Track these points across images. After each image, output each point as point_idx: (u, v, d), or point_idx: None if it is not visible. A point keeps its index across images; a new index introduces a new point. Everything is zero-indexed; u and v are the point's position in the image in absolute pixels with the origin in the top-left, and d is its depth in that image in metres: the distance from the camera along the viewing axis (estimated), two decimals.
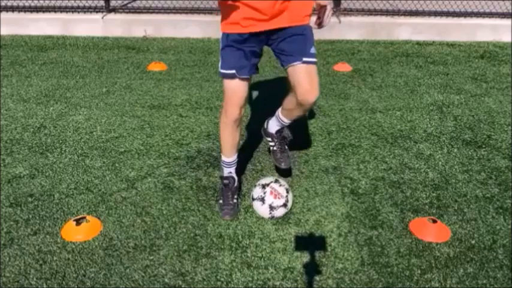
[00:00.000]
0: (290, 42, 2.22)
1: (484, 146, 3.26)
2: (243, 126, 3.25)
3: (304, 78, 2.24)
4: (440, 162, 3.05)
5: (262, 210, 2.47)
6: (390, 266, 2.21)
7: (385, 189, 2.77)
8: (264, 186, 2.49)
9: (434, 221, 2.43)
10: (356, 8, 5.82)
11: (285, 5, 2.15)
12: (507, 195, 2.73)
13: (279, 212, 2.47)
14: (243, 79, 2.25)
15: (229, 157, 2.52)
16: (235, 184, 2.57)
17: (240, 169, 2.80)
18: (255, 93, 4.03)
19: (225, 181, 2.55)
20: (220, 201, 2.55)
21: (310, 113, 3.70)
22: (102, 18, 5.76)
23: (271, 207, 2.45)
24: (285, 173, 2.85)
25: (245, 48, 2.20)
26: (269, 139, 2.67)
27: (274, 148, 2.63)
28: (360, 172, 2.94)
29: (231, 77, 2.23)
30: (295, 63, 2.23)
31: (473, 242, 2.36)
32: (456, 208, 2.62)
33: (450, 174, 2.93)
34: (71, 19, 5.76)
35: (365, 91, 4.16)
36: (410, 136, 3.38)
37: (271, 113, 2.69)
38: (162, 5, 5.93)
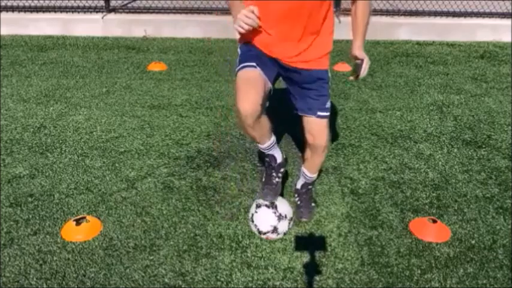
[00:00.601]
0: (305, 94, 2.18)
1: (484, 146, 3.26)
2: None
3: (315, 130, 2.22)
4: (440, 162, 3.05)
5: (254, 229, 2.39)
6: (390, 266, 2.21)
7: (385, 189, 2.77)
8: (256, 208, 2.37)
9: (434, 221, 2.43)
10: None
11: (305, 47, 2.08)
12: (507, 195, 2.73)
13: (271, 236, 2.35)
14: (258, 73, 2.06)
15: (263, 144, 2.26)
16: (278, 161, 2.36)
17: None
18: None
19: (266, 159, 2.38)
20: (264, 179, 2.41)
21: None
22: (102, 18, 5.76)
23: (260, 232, 2.37)
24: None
25: (263, 56, 2.12)
26: (295, 195, 2.61)
27: (298, 203, 2.56)
28: (360, 172, 2.94)
29: (245, 67, 2.06)
30: (309, 116, 2.21)
31: (473, 242, 2.36)
32: (456, 208, 2.62)
33: (450, 174, 2.93)
34: (71, 19, 5.76)
35: (365, 91, 4.16)
36: (410, 136, 3.38)
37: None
38: (162, 5, 5.93)
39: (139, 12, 5.93)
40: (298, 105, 2.23)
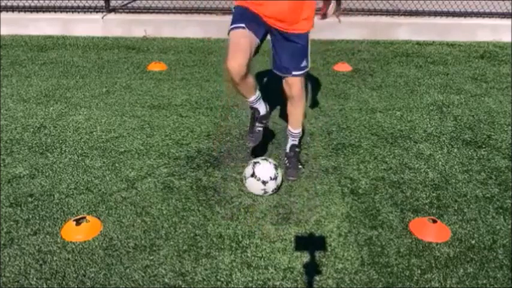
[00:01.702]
0: (286, 52, 2.53)
1: (484, 146, 3.26)
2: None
3: (290, 85, 2.64)
4: (440, 162, 3.05)
5: (255, 187, 2.66)
6: (390, 266, 2.21)
7: (385, 189, 2.77)
8: (254, 164, 2.67)
9: (434, 221, 2.43)
10: (356, 8, 5.82)
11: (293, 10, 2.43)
12: (507, 195, 2.73)
13: (271, 186, 2.63)
14: (247, 33, 2.38)
15: (249, 97, 2.63)
16: (261, 113, 2.71)
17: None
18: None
19: (252, 111, 2.74)
20: (249, 128, 2.80)
21: (310, 113, 3.70)
22: (102, 18, 5.76)
23: (264, 182, 2.62)
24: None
25: (254, 16, 2.44)
26: (285, 158, 2.96)
27: (287, 164, 2.90)
28: (360, 172, 2.94)
29: (236, 28, 2.40)
30: (286, 74, 2.61)
31: (473, 242, 2.36)
32: (456, 208, 2.62)
33: (450, 174, 2.93)
34: (71, 19, 5.76)
35: (365, 91, 4.16)
36: (410, 136, 3.38)
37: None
38: (162, 5, 5.93)
39: (139, 12, 5.93)
40: (277, 63, 2.61)
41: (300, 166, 2.91)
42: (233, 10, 2.52)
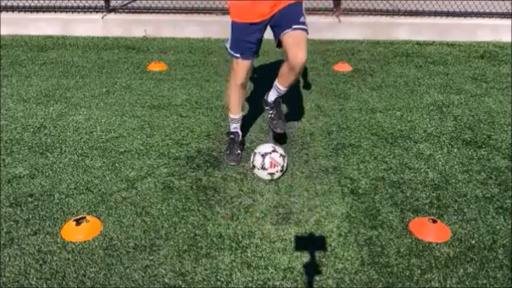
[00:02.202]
0: (283, 13, 2.63)
1: (484, 146, 3.26)
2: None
3: (293, 42, 2.61)
4: (440, 162, 3.05)
5: (263, 175, 2.85)
6: (390, 266, 2.21)
7: (385, 189, 2.77)
8: (264, 156, 2.83)
9: (434, 221, 2.43)
10: (356, 8, 5.82)
11: None
12: (507, 195, 2.73)
13: (277, 175, 2.85)
14: (250, 61, 2.80)
15: (236, 114, 3.04)
16: (239, 138, 3.11)
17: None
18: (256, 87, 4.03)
19: (231, 136, 3.10)
20: (228, 152, 3.06)
21: (310, 113, 3.70)
22: (102, 18, 5.76)
23: (271, 174, 2.83)
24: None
25: (249, 37, 2.69)
26: (268, 108, 3.01)
27: (272, 115, 2.99)
28: (360, 172, 2.94)
29: (242, 58, 2.77)
30: (286, 30, 2.62)
31: (473, 242, 2.36)
32: (456, 208, 2.62)
33: (450, 174, 2.93)
34: (71, 19, 5.76)
35: (365, 91, 4.16)
36: (410, 136, 3.38)
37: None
38: (162, 5, 5.93)
39: (139, 12, 5.93)
40: (278, 30, 2.67)
41: (283, 118, 3.01)
42: (231, 27, 2.73)
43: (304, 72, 4.56)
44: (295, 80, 2.85)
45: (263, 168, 2.82)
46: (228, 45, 2.79)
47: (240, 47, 2.73)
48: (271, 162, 2.81)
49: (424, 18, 5.73)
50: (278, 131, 2.97)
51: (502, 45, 5.42)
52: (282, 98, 3.01)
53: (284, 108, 3.79)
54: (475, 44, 5.46)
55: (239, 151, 3.05)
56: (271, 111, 2.99)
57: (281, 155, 2.86)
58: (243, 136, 3.21)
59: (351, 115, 3.70)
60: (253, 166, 2.87)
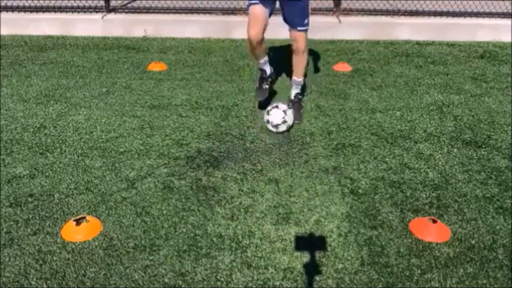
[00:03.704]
0: (291, 10, 3.27)
1: (484, 146, 3.26)
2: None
3: (297, 40, 3.34)
4: (440, 162, 3.05)
5: (271, 128, 3.38)
6: (390, 266, 2.21)
7: (385, 189, 2.77)
8: (268, 112, 3.38)
9: (434, 221, 2.43)
10: (356, 8, 5.82)
11: None
12: (507, 195, 2.73)
13: (282, 128, 3.36)
14: (262, 8, 3.14)
15: (261, 60, 3.49)
16: (267, 74, 3.58)
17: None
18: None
19: (260, 71, 3.58)
20: (256, 85, 3.62)
21: (310, 113, 3.70)
22: (102, 18, 5.76)
23: (276, 126, 3.36)
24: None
25: None
26: (290, 104, 3.55)
27: (292, 109, 3.49)
28: (360, 172, 2.94)
29: (254, 4, 3.14)
30: (290, 29, 3.33)
31: (473, 242, 2.36)
32: (456, 208, 2.62)
33: (450, 174, 2.93)
34: (71, 19, 5.76)
35: (365, 91, 4.16)
36: (410, 136, 3.38)
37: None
38: (162, 5, 5.93)
39: (139, 12, 5.93)
40: (288, 22, 3.33)
41: (301, 111, 3.62)
42: None
43: (304, 72, 4.56)
44: (304, 64, 3.49)
45: (268, 122, 3.36)
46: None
47: None
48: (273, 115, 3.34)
49: (424, 18, 5.73)
50: (296, 122, 3.47)
51: (502, 45, 5.42)
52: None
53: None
54: (475, 44, 5.46)
55: (266, 86, 3.56)
56: (291, 106, 3.50)
57: (283, 110, 3.34)
58: (272, 71, 3.64)
59: (350, 115, 3.70)
60: (266, 121, 3.40)
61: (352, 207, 2.61)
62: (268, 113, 3.37)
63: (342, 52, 5.15)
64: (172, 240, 2.35)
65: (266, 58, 3.50)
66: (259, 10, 3.12)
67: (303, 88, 3.67)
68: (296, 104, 3.58)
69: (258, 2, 3.13)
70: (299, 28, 3.29)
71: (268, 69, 3.57)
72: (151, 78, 4.43)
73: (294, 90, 3.62)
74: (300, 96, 3.66)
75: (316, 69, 4.61)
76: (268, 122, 3.37)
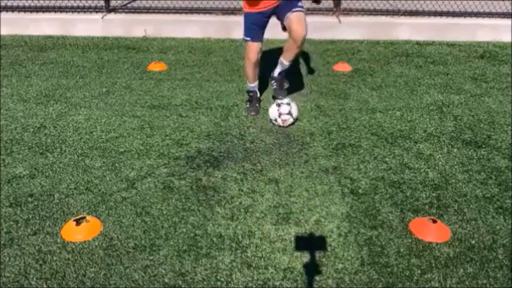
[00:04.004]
0: (283, 4, 3.31)
1: (484, 146, 3.26)
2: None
3: (294, 20, 3.27)
4: (440, 162, 3.05)
5: (278, 122, 3.49)
6: (390, 266, 2.21)
7: (385, 189, 2.77)
8: (278, 107, 3.49)
9: (434, 221, 2.43)
10: (356, 8, 5.82)
11: None
12: (507, 195, 2.73)
13: (288, 122, 3.48)
14: (259, 44, 3.47)
15: (252, 83, 3.72)
16: (257, 96, 3.80)
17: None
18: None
19: (251, 93, 3.76)
20: (248, 105, 3.75)
21: (310, 113, 3.70)
22: (102, 18, 5.76)
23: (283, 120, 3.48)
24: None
25: (258, 23, 3.37)
26: (273, 81, 3.68)
27: (275, 87, 3.67)
28: (360, 172, 2.94)
29: (253, 41, 3.43)
30: (287, 14, 3.29)
31: (473, 242, 2.36)
32: (456, 208, 2.62)
33: (450, 174, 2.93)
34: (71, 19, 5.76)
35: (365, 91, 4.16)
36: (411, 136, 3.38)
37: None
38: (162, 5, 5.93)
39: (139, 12, 5.92)
40: (281, 16, 3.34)
41: (285, 86, 3.69)
42: (244, 17, 3.42)
43: (304, 72, 4.56)
44: (297, 54, 3.50)
45: (275, 120, 3.49)
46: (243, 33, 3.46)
47: (251, 32, 3.40)
48: (280, 114, 3.46)
49: (424, 18, 5.73)
50: (279, 98, 3.57)
51: (502, 45, 5.41)
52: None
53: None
54: (475, 44, 5.46)
55: (257, 104, 3.74)
56: (274, 83, 3.64)
57: (286, 103, 3.49)
58: (261, 95, 3.87)
59: (350, 115, 3.70)
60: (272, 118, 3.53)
61: (352, 207, 2.61)
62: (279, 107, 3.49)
63: (342, 52, 5.15)
64: (172, 240, 2.35)
65: (256, 83, 3.73)
66: (257, 45, 3.45)
67: (287, 71, 3.64)
68: (280, 82, 3.64)
69: (258, 39, 3.42)
70: (294, 9, 3.27)
71: (257, 91, 3.78)
72: (151, 78, 4.43)
73: (279, 69, 3.63)
74: (284, 73, 3.65)
75: (316, 69, 4.60)
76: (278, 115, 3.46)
